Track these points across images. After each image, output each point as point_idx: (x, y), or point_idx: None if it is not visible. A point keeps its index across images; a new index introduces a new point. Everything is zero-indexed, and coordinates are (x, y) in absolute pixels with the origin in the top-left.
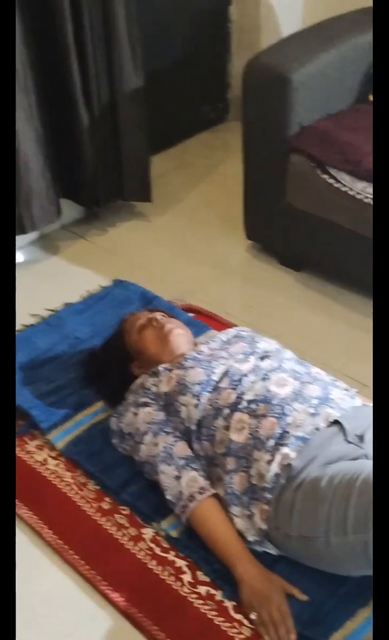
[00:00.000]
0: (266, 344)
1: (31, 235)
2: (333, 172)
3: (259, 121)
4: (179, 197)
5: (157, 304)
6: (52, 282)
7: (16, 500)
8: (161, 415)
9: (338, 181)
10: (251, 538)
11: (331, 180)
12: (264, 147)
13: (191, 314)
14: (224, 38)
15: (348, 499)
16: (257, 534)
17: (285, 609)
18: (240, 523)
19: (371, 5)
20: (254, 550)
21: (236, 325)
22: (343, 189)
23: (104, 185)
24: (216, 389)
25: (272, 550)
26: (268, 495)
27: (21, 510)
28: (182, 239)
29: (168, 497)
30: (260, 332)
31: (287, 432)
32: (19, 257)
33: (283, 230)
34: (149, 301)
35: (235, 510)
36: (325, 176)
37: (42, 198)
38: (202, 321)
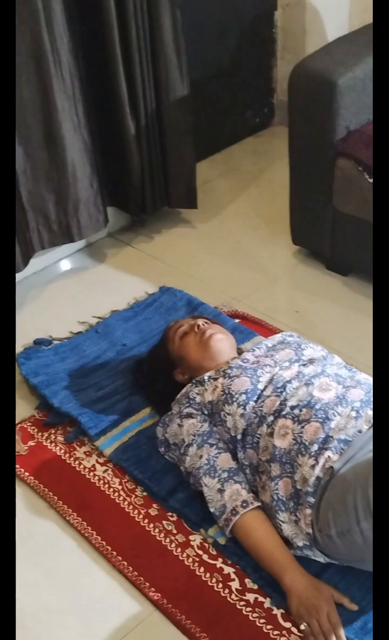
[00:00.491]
0: (312, 350)
1: (79, 243)
2: None
3: (305, 126)
4: (225, 203)
5: (203, 311)
6: (100, 290)
7: (65, 505)
8: (205, 427)
9: None
10: (300, 543)
11: None
12: (311, 152)
13: (237, 320)
14: (269, 43)
15: (367, 478)
16: (305, 538)
17: (335, 619)
18: (288, 529)
19: None
20: (301, 559)
21: (282, 331)
22: None
23: (151, 193)
24: (260, 397)
25: (321, 558)
26: (311, 499)
27: (70, 515)
28: (228, 245)
29: (212, 509)
30: (307, 337)
31: (331, 437)
32: (66, 265)
33: (330, 234)
34: (195, 308)
35: (282, 516)
36: (373, 180)
37: (89, 206)
38: (249, 327)
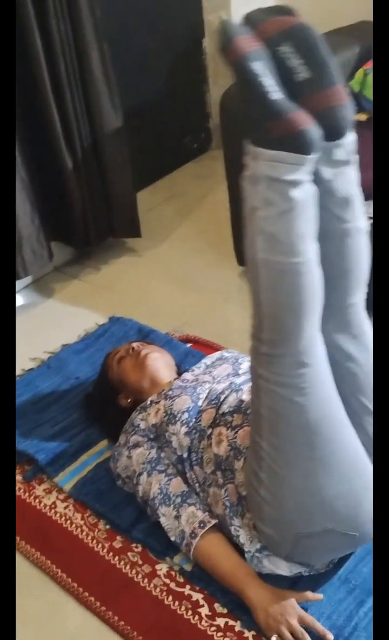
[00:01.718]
0: (249, 362)
1: (25, 280)
2: None
3: (239, 148)
4: (169, 229)
5: (155, 338)
6: (50, 325)
7: (28, 545)
8: (153, 453)
9: None
10: (257, 545)
11: None
12: None
13: (189, 345)
14: (200, 70)
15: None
16: (259, 540)
17: (308, 619)
18: (243, 535)
19: (349, 24)
20: (269, 579)
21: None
22: None
23: (94, 225)
24: (200, 412)
25: (285, 571)
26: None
27: (33, 556)
28: (176, 271)
29: (173, 538)
30: None
31: None
32: (18, 300)
33: None
34: (147, 335)
35: (237, 522)
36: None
37: (32, 243)
38: (201, 350)
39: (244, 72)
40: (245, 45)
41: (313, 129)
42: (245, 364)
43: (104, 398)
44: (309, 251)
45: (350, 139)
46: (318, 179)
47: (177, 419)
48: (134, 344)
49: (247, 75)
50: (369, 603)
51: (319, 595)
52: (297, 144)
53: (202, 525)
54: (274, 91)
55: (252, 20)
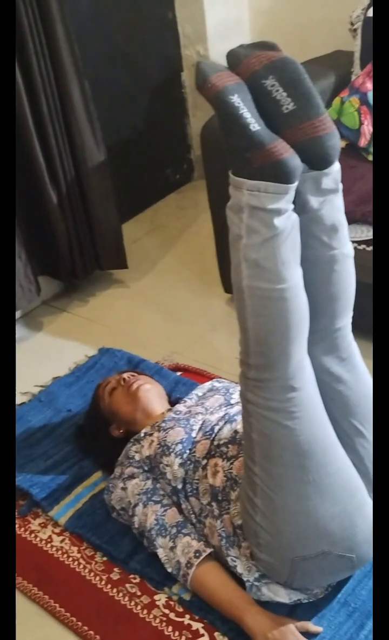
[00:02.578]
0: None
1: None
2: None
3: (221, 178)
4: (155, 260)
5: (145, 368)
6: (40, 359)
7: (25, 581)
8: (148, 484)
9: None
10: (256, 574)
11: None
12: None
13: (179, 373)
14: (180, 103)
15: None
16: (257, 568)
17: None
18: (240, 565)
19: (322, 54)
20: (269, 607)
21: (224, 379)
22: None
23: (80, 258)
24: (194, 444)
25: (282, 594)
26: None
27: (31, 591)
28: (163, 301)
29: (170, 569)
30: None
31: None
32: None
33: None
34: (136, 365)
35: (233, 552)
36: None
37: (20, 278)
38: (191, 379)
39: (223, 105)
40: (223, 80)
41: (292, 158)
42: (236, 394)
43: (96, 429)
44: (294, 277)
45: (337, 167)
46: (305, 208)
47: (170, 450)
48: (125, 375)
49: (227, 108)
50: (369, 626)
51: (319, 628)
52: (278, 173)
53: (197, 554)
54: (254, 122)
55: (236, 55)
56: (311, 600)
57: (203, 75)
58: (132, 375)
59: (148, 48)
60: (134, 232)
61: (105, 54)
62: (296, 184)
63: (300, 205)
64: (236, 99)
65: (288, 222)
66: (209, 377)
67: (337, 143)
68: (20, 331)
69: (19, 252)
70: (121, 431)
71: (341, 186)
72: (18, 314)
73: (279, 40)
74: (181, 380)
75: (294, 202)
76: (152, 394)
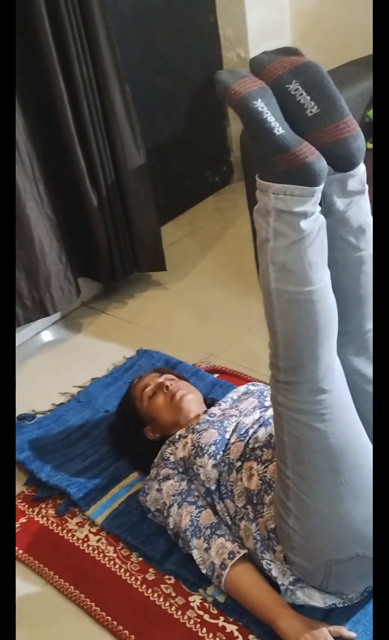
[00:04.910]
0: None
1: (54, 316)
2: None
3: None
4: (193, 262)
5: (181, 369)
6: (79, 359)
7: (62, 580)
8: (183, 485)
9: None
10: (291, 578)
11: None
12: None
13: (216, 375)
14: (219, 105)
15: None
16: (291, 572)
17: None
18: (275, 568)
19: (363, 56)
20: (303, 610)
21: (261, 382)
22: None
23: (119, 260)
24: (227, 445)
25: (317, 598)
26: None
27: (67, 590)
28: (201, 302)
29: (204, 571)
30: None
31: None
32: (44, 338)
33: None
34: (174, 367)
35: (268, 556)
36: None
37: (60, 280)
38: (228, 381)
39: (246, 110)
40: (246, 87)
41: (318, 161)
42: None
43: (129, 428)
44: (322, 279)
45: (362, 168)
46: (332, 210)
47: (204, 451)
48: (167, 382)
49: (250, 113)
50: None
51: (353, 634)
52: (303, 176)
53: (231, 556)
54: (278, 126)
55: (260, 62)
56: (346, 604)
57: (223, 84)
58: (173, 380)
59: (189, 51)
60: (173, 234)
61: (146, 58)
62: (322, 186)
63: (326, 207)
64: (259, 104)
65: (315, 224)
66: (245, 380)
67: (362, 144)
68: (59, 332)
69: (59, 254)
70: (157, 435)
71: (367, 187)
72: (58, 315)
73: (319, 42)
74: (217, 383)
75: (320, 205)
76: (194, 404)
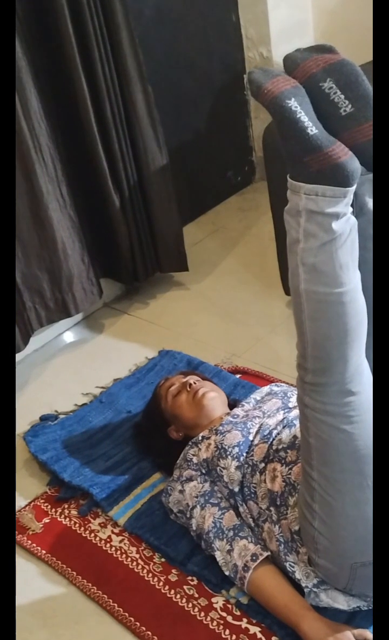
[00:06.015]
0: None
1: (76, 317)
2: None
3: (282, 180)
4: (215, 262)
5: (204, 370)
6: (101, 360)
7: (84, 580)
8: (206, 486)
9: None
10: (314, 580)
11: None
12: None
13: (238, 376)
14: (242, 105)
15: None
16: (315, 575)
17: None
18: (299, 571)
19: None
20: (327, 613)
21: (284, 382)
22: None
23: (141, 261)
24: (251, 447)
25: (341, 600)
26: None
27: (90, 590)
28: (223, 303)
29: (227, 572)
30: None
31: None
32: (66, 339)
33: None
34: (196, 368)
35: (291, 558)
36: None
37: (83, 281)
38: (251, 381)
39: (280, 110)
40: (279, 85)
41: (351, 161)
42: (294, 397)
43: (154, 427)
44: (352, 280)
45: None
46: (363, 210)
47: (227, 453)
48: (191, 380)
49: (283, 112)
50: None
51: None
52: (336, 177)
53: (254, 558)
54: (311, 126)
55: (294, 59)
56: (370, 607)
57: (257, 83)
58: (198, 381)
59: (211, 51)
60: (195, 235)
61: (168, 58)
62: (354, 187)
63: (358, 208)
64: (292, 103)
65: (346, 225)
66: (268, 380)
67: None
68: (82, 333)
69: (82, 255)
70: (180, 434)
71: None
72: (80, 316)
73: (343, 40)
74: (240, 383)
75: (352, 205)
76: (216, 402)
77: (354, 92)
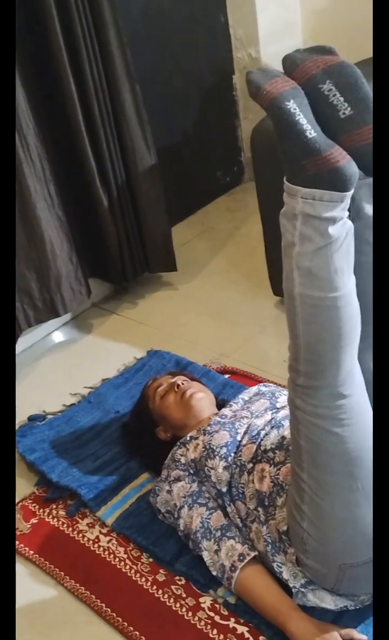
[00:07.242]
0: (286, 396)
1: (65, 317)
2: None
3: (271, 180)
4: (204, 262)
5: (192, 370)
6: (90, 360)
7: (72, 580)
8: (194, 487)
9: None
10: (302, 580)
11: None
12: (280, 204)
13: (226, 376)
14: (231, 105)
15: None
16: (303, 575)
17: None
18: (286, 571)
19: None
20: (312, 610)
21: (272, 382)
22: None
23: (130, 261)
24: (239, 447)
25: (328, 600)
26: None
27: (78, 590)
28: (211, 303)
29: (214, 573)
30: None
31: None
32: (54, 338)
33: None
34: (184, 368)
35: (279, 558)
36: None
37: (71, 281)
38: (239, 382)
39: (278, 112)
40: (278, 87)
41: (349, 165)
42: (282, 398)
43: (142, 428)
44: (347, 285)
45: None
46: (360, 215)
47: (215, 453)
48: (179, 381)
49: (282, 114)
50: None
51: (364, 636)
52: (334, 181)
53: (241, 558)
54: (310, 129)
55: (293, 60)
56: (357, 607)
57: (255, 84)
58: (185, 381)
59: (199, 51)
60: (183, 235)
61: (156, 58)
62: (352, 191)
63: (355, 212)
64: (291, 105)
65: (343, 229)
66: (257, 380)
67: None
68: (70, 333)
69: (70, 255)
70: (168, 435)
71: None
72: (68, 316)
73: (332, 40)
74: (228, 383)
75: (348, 209)
76: (204, 403)
77: (353, 94)
